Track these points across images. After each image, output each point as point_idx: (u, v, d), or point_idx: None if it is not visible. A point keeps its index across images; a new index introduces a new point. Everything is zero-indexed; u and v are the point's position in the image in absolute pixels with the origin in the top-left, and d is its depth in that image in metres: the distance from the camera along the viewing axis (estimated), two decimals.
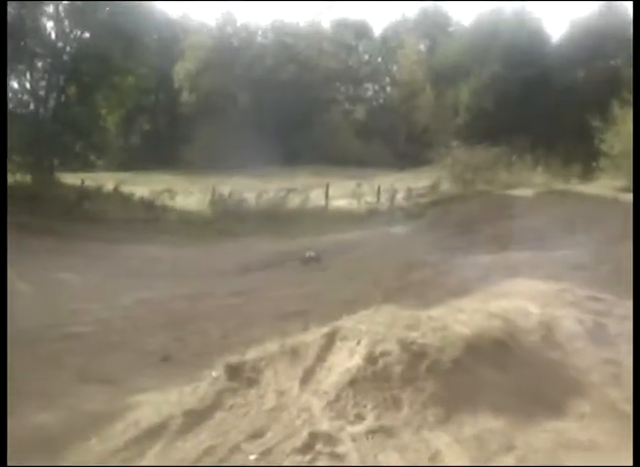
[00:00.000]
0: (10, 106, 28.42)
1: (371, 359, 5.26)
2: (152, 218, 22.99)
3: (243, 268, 15.76)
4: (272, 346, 6.00)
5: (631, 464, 4.31)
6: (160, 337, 9.86)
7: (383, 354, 5.29)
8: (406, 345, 5.34)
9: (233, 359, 5.95)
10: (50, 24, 28.59)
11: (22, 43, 26.93)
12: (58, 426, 6.22)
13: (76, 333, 9.98)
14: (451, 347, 5.39)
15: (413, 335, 5.48)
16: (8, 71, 27.71)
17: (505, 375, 5.41)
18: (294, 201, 26.21)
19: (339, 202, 27.43)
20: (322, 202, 26.92)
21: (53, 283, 13.78)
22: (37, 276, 13.87)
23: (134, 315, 11.20)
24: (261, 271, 15.33)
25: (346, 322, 5.90)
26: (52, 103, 28.48)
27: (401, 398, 5.07)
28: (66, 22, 28.15)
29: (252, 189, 26.96)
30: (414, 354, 5.30)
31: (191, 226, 22.11)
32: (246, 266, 15.95)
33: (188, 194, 26.50)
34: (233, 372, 5.74)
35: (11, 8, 25.19)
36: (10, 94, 28.50)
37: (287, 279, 14.01)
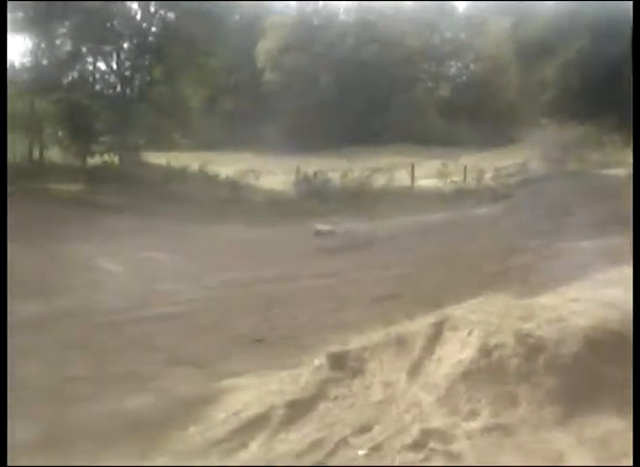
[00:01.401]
0: (97, 87, 28.85)
1: (484, 351, 4.91)
2: (236, 198, 22.98)
3: (329, 249, 15.53)
4: (376, 335, 5.71)
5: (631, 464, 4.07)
6: (250, 319, 9.74)
7: (498, 346, 4.93)
8: (521, 337, 4.97)
9: (336, 348, 5.68)
10: (135, 5, 28.84)
11: (109, 24, 27.20)
12: (152, 412, 6.11)
13: (165, 313, 9.94)
14: (570, 341, 4.99)
15: (529, 326, 5.11)
16: (96, 52, 28.11)
17: (627, 371, 4.99)
18: (379, 181, 25.86)
19: (425, 182, 26.99)
20: (407, 182, 26.51)
21: (140, 263, 13.85)
22: (125, 256, 13.97)
23: (221, 296, 11.12)
24: (347, 252, 15.08)
25: (455, 311, 5.56)
26: (137, 84, 28.78)
27: (517, 394, 4.72)
28: (152, 3, 28.32)
29: (336, 169, 26.71)
30: (531, 347, 4.92)
31: (275, 206, 22.01)
32: (332, 247, 15.72)
33: (272, 174, 26.45)
34: (337, 361, 5.47)
35: None
36: (97, 75, 28.93)
37: (374, 261, 13.74)
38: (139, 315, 9.79)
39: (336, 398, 5.11)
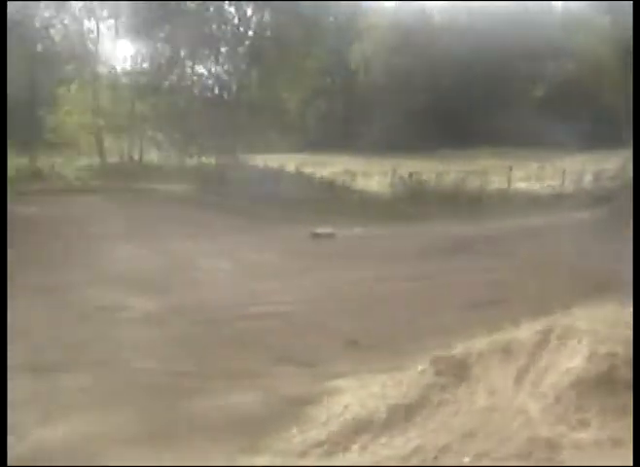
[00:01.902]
0: (195, 91, 29.47)
1: (594, 360, 4.80)
2: (332, 199, 23.09)
3: (425, 251, 15.44)
4: (480, 341, 5.65)
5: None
6: (347, 319, 9.79)
7: (608, 355, 4.82)
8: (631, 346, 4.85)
9: (440, 352, 5.65)
10: (232, 9, 29.30)
11: (207, 28, 27.76)
12: (257, 409, 6.23)
13: (265, 312, 10.10)
14: None
15: None
16: (194, 56, 28.72)
17: None
18: (474, 184, 25.50)
19: (522, 185, 26.46)
20: (503, 185, 26.06)
21: (240, 262, 14.09)
22: (226, 255, 14.25)
23: (318, 297, 11.20)
24: (443, 255, 14.96)
25: (562, 318, 5.45)
26: (234, 86, 29.26)
27: (627, 405, 4.60)
28: (249, 7, 28.75)
29: (431, 170, 26.51)
30: None
31: (371, 207, 22.02)
32: (428, 249, 15.63)
33: (367, 175, 26.46)
34: (441, 366, 5.45)
35: None
36: (195, 79, 29.56)
37: (473, 264, 13.57)
38: (242, 313, 10.01)
39: (439, 404, 5.08)
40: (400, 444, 4.71)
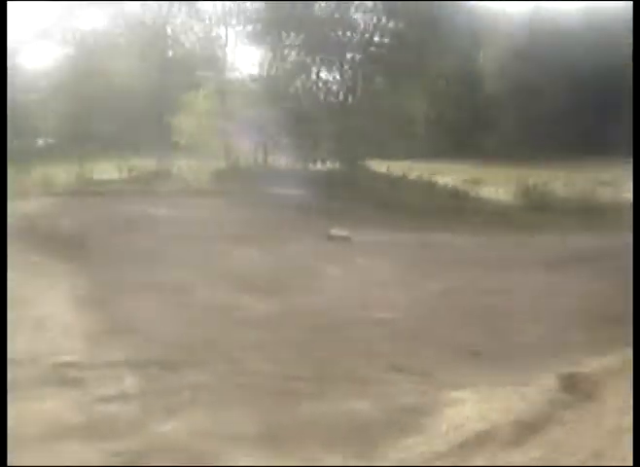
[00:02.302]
0: (320, 96, 29.68)
1: None
2: (455, 207, 22.73)
3: (549, 262, 14.91)
4: (610, 358, 5.37)
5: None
6: (467, 330, 9.57)
7: None
8: None
9: (567, 369, 5.41)
10: (358, 16, 29.34)
11: (334, 34, 27.91)
12: (374, 416, 6.16)
13: (382, 319, 10.00)
14: None
15: None
16: (320, 62, 28.94)
17: None
18: (604, 195, 24.48)
19: None
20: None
21: (357, 268, 14.05)
22: (343, 260, 14.25)
23: (438, 305, 11.02)
24: (567, 267, 14.39)
25: None
26: (360, 92, 29.28)
27: None
28: (375, 13, 28.71)
29: (557, 180, 25.68)
30: None
31: (495, 217, 21.51)
32: (552, 260, 15.09)
33: (492, 184, 25.94)
34: (568, 383, 5.21)
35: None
36: (320, 84, 29.76)
37: (603, 278, 12.98)
38: (354, 318, 9.96)
39: (565, 422, 4.86)
40: (521, 461, 4.54)
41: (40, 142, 36.40)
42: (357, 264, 14.39)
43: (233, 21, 28.88)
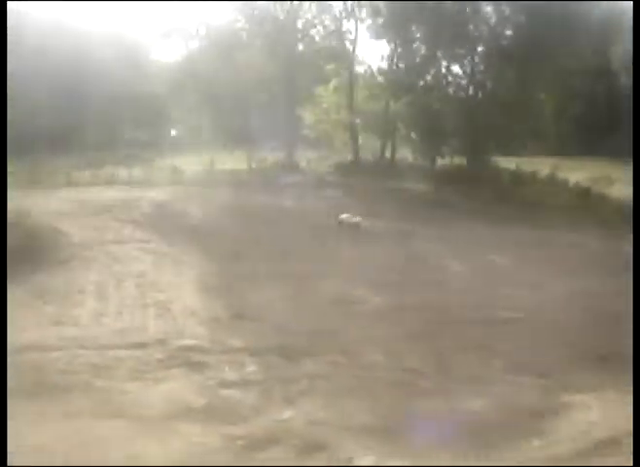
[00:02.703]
0: (449, 90, 29.25)
1: None
2: (585, 206, 21.92)
3: None
4: None
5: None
6: (595, 333, 9.17)
7: None
8: None
9: None
10: (489, 9, 28.72)
11: (464, 28, 27.42)
12: (492, 416, 6.04)
13: (505, 318, 9.80)
14: None
15: None
16: (450, 56, 28.52)
17: None
18: None
19: None
20: None
21: (483, 265, 13.79)
22: (469, 258, 14.00)
23: (565, 307, 10.65)
24: None
25: None
26: (489, 87, 28.68)
27: None
28: (506, 7, 28.04)
29: None
30: None
31: (627, 217, 20.60)
32: None
33: (626, 182, 24.81)
34: None
35: None
36: (449, 78, 29.32)
37: None
38: (480, 317, 9.77)
39: None
40: None
41: (173, 133, 37.63)
42: (480, 262, 14.11)
43: (363, 15, 28.84)
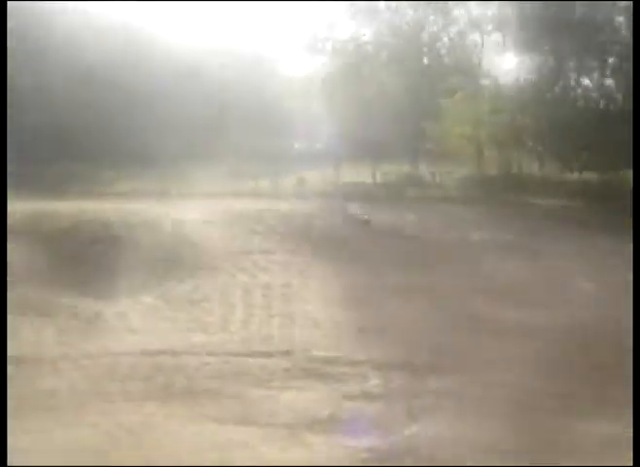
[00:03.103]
0: (580, 103, 28.37)
1: None
2: None
3: None
4: None
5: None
6: None
7: None
8: None
9: None
10: (621, 18, 27.73)
11: (594, 40, 26.58)
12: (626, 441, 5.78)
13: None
14: None
15: None
16: (579, 68, 27.71)
17: None
18: None
19: None
20: None
21: (616, 285, 13.22)
22: (601, 276, 13.47)
23: None
24: None
25: None
26: (620, 100, 27.69)
27: None
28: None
29: None
30: None
31: None
32: None
33: None
34: None
35: (580, 5, 25.19)
36: (579, 91, 28.48)
37: None
38: (612, 338, 9.36)
39: None
40: None
41: (296, 145, 38.12)
42: (617, 281, 13.52)
43: (489, 28, 28.48)
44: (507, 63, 35.79)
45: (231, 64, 31.68)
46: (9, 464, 5.20)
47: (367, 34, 29.34)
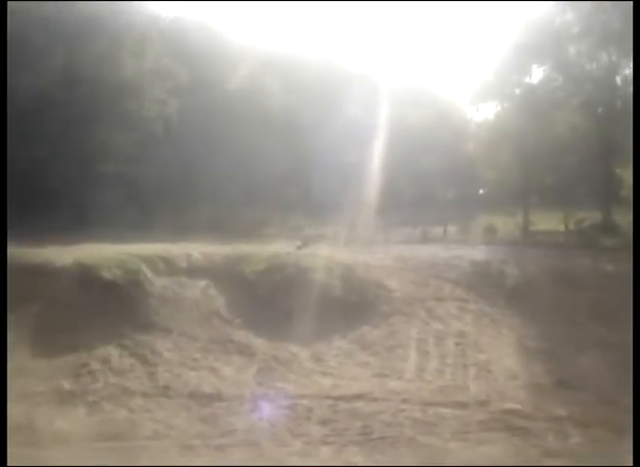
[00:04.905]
0: None
1: None
2: None
3: None
4: None
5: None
6: None
7: None
8: None
9: None
10: None
11: None
12: None
13: None
14: None
15: None
16: None
17: None
18: None
19: None
20: None
21: None
22: None
23: None
24: None
25: None
26: None
27: None
28: None
29: None
30: None
31: None
32: None
33: None
34: None
35: None
36: None
37: None
38: None
39: None
40: None
41: (481, 191, 37.64)
42: None
43: None
44: None
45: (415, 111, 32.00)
46: (9, 464, 5.44)
47: (559, 80, 28.68)
